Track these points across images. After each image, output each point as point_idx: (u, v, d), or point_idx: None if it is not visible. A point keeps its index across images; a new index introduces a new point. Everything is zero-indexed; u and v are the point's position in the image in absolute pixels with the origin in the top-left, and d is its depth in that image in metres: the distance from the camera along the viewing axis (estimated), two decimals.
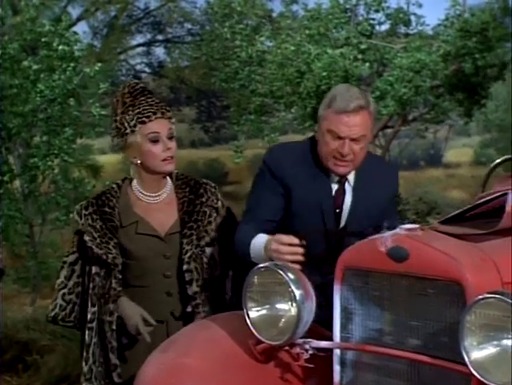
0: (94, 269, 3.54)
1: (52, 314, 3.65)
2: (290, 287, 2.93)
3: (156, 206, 3.62)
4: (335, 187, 3.48)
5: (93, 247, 3.52)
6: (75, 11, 17.90)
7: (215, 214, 3.66)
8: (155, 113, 3.52)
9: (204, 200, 3.65)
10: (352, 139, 3.32)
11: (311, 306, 2.99)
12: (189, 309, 3.55)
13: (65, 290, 3.63)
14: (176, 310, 3.58)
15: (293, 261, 3.10)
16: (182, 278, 3.54)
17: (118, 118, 3.54)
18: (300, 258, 3.14)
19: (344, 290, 3.00)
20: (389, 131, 12.09)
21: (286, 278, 2.94)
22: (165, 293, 3.56)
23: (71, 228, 7.35)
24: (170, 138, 3.57)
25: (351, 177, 3.50)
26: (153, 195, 3.62)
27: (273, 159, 3.49)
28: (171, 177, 3.71)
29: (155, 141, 3.52)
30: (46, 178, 9.04)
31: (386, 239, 2.89)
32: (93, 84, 9.21)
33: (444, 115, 11.16)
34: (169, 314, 3.57)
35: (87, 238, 3.54)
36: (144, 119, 3.51)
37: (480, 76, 10.12)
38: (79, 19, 18.24)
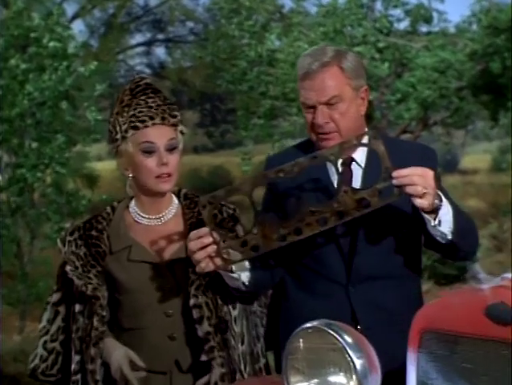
0: (77, 308, 3.10)
1: (31, 365, 3.17)
2: (347, 354, 2.43)
3: (157, 229, 3.10)
4: (334, 173, 2.97)
5: (74, 278, 3.04)
6: (70, 8, 17.99)
7: None
8: (152, 118, 2.99)
9: (217, 221, 3.08)
10: (325, 104, 2.93)
11: (377, 380, 2.43)
12: (204, 358, 2.96)
13: (47, 337, 3.14)
14: (181, 358, 3.03)
15: (206, 257, 2.74)
16: (189, 317, 3.02)
17: (112, 119, 3.07)
18: (212, 250, 2.74)
19: (422, 359, 2.44)
20: (407, 136, 11.80)
21: (343, 343, 2.42)
22: (167, 337, 3.03)
23: None
24: (170, 150, 3.01)
25: (358, 157, 3.01)
26: (153, 217, 3.09)
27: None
28: (179, 196, 3.17)
29: (148, 152, 2.99)
30: (35, 191, 8.69)
31: (483, 292, 2.30)
32: (88, 86, 8.88)
33: (468, 119, 11.07)
34: (173, 363, 3.04)
35: (68, 268, 3.06)
36: (137, 123, 2.99)
37: (506, 77, 9.82)
38: (74, 17, 18.54)
